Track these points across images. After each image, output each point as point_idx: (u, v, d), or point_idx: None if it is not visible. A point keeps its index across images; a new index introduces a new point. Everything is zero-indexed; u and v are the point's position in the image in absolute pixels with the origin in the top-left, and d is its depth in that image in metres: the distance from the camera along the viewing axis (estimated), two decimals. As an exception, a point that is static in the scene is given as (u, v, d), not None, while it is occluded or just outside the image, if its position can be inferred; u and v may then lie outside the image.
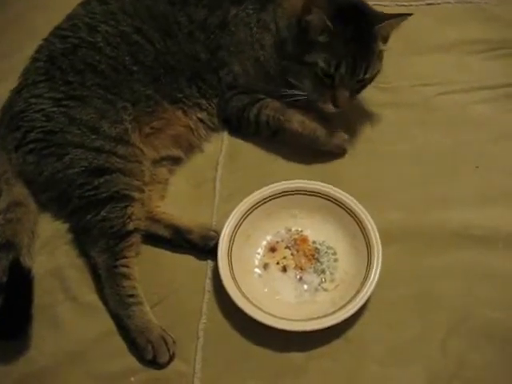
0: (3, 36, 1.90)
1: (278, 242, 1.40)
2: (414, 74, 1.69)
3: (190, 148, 1.57)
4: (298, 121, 1.52)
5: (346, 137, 1.52)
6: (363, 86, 1.49)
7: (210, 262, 1.39)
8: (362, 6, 1.47)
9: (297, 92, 1.48)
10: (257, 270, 1.37)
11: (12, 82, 1.51)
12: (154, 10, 1.52)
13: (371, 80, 1.49)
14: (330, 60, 1.40)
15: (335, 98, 1.45)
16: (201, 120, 1.56)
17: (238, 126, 1.58)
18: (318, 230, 1.41)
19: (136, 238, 1.38)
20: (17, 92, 1.48)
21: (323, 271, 1.35)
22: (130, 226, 1.36)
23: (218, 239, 1.36)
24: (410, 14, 1.44)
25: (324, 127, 1.52)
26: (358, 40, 1.41)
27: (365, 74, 1.44)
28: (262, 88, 1.55)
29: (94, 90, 1.43)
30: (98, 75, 1.45)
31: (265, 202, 1.41)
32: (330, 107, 1.47)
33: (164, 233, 1.42)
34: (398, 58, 1.66)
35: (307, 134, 1.51)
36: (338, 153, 1.54)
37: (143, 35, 1.50)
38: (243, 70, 1.54)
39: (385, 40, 1.47)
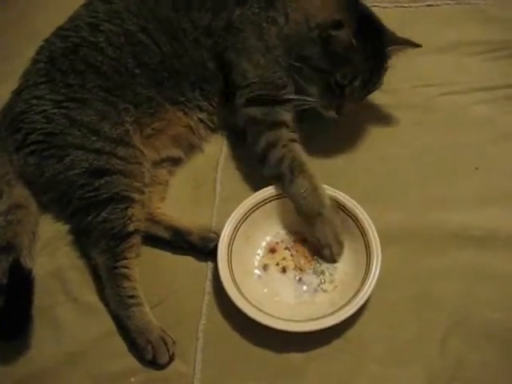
0: (4, 37, 1.90)
1: (277, 243, 1.40)
2: (414, 76, 1.69)
3: (191, 148, 1.57)
4: (311, 182, 1.36)
5: (342, 244, 1.36)
6: (366, 96, 1.50)
7: (209, 264, 1.39)
8: (376, 21, 1.48)
9: (302, 97, 1.46)
10: (256, 270, 1.37)
11: (12, 84, 1.51)
12: (157, 13, 1.51)
13: (374, 90, 1.51)
14: (347, 73, 1.40)
15: (341, 108, 1.45)
16: (201, 120, 1.56)
17: (243, 138, 1.49)
18: (317, 230, 1.41)
19: (136, 240, 1.38)
20: (17, 93, 1.48)
21: (322, 272, 1.35)
22: (131, 228, 1.36)
23: (217, 240, 1.35)
24: (419, 46, 1.47)
25: (331, 215, 1.35)
26: (375, 57, 1.43)
27: (374, 87, 1.47)
28: (273, 84, 1.48)
29: (95, 93, 1.43)
30: (100, 77, 1.44)
31: (264, 204, 1.41)
32: (333, 114, 1.46)
33: (164, 234, 1.42)
34: (398, 60, 1.66)
35: (310, 203, 1.35)
36: (323, 253, 1.37)
37: (149, 35, 1.49)
38: (252, 64, 1.49)
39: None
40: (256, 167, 1.50)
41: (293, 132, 1.46)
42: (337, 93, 1.43)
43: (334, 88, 1.42)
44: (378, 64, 1.45)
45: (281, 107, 1.47)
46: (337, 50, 1.39)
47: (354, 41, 1.37)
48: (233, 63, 1.51)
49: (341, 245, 1.36)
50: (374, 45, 1.42)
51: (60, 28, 1.54)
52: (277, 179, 1.40)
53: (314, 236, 1.36)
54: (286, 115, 1.47)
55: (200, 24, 1.51)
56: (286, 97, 1.47)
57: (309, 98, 1.45)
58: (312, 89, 1.45)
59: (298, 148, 1.43)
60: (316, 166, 1.50)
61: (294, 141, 1.43)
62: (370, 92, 1.49)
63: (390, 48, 1.45)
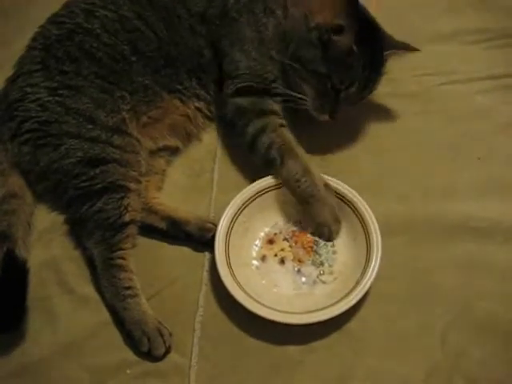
0: (2, 23, 1.88)
1: (275, 234, 1.39)
2: (415, 64, 1.67)
3: (188, 137, 1.56)
4: (302, 165, 1.35)
5: (339, 219, 1.36)
6: (362, 100, 1.48)
7: (207, 254, 1.38)
8: (375, 25, 1.46)
9: (294, 94, 1.44)
10: (254, 261, 1.35)
11: (8, 71, 1.48)
12: (154, 1, 1.50)
13: (369, 94, 1.49)
14: (344, 79, 1.39)
15: (335, 112, 1.43)
16: (198, 109, 1.54)
17: (232, 129, 1.48)
18: (316, 221, 1.39)
19: (132, 230, 1.36)
20: (12, 81, 1.46)
21: (322, 263, 1.34)
22: (127, 218, 1.35)
23: (215, 231, 1.34)
24: (417, 50, 1.47)
25: (326, 195, 1.35)
26: (372, 63, 1.41)
27: (369, 92, 1.46)
28: (262, 77, 1.47)
29: (91, 80, 1.41)
30: (95, 63, 1.42)
31: (263, 194, 1.39)
32: (325, 118, 1.44)
33: (161, 224, 1.41)
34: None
35: (305, 186, 1.34)
36: (320, 229, 1.37)
37: (145, 21, 1.47)
38: (245, 55, 1.48)
39: None
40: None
41: (281, 119, 1.44)
42: (332, 96, 1.41)
43: (329, 92, 1.41)
44: (376, 70, 1.44)
45: (270, 98, 1.46)
46: (336, 54, 1.38)
47: (354, 47, 1.36)
48: (226, 52, 1.49)
49: (339, 222, 1.36)
50: (373, 50, 1.41)
51: (55, 14, 1.52)
52: (268, 166, 1.39)
53: (312, 217, 1.36)
54: (275, 105, 1.46)
55: (195, 11, 1.49)
56: (275, 91, 1.46)
57: (302, 96, 1.43)
58: (306, 90, 1.43)
59: (286, 132, 1.41)
60: (316, 156, 1.50)
61: (282, 126, 1.42)
62: (365, 97, 1.47)
63: (387, 52, 1.45)
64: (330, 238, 1.37)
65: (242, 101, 1.46)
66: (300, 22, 1.42)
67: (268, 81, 1.47)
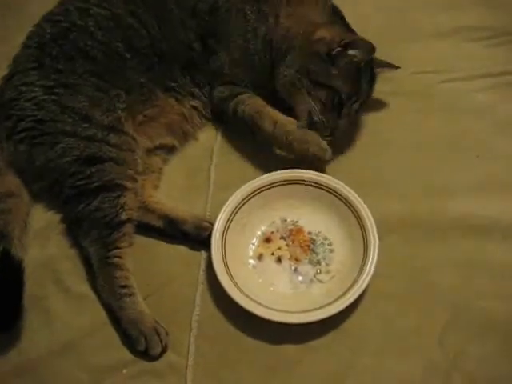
0: (1, 21, 1.88)
1: (272, 233, 1.38)
2: (414, 62, 1.67)
3: (184, 136, 1.55)
4: (270, 120, 1.44)
5: (326, 146, 1.41)
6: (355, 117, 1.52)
7: (203, 253, 1.38)
8: None
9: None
10: (251, 260, 1.35)
11: (4, 70, 1.49)
12: None
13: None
14: (351, 93, 1.42)
15: (336, 127, 1.44)
16: (195, 108, 1.55)
17: (221, 117, 1.56)
18: (313, 220, 1.39)
19: (129, 229, 1.36)
20: (7, 80, 1.46)
21: (319, 262, 1.33)
22: (123, 216, 1.34)
23: (211, 229, 1.34)
24: (398, 67, 1.53)
25: (302, 134, 1.42)
26: (371, 81, 1.48)
27: (362, 110, 1.50)
28: (247, 80, 1.52)
29: (86, 78, 1.41)
30: (90, 62, 1.43)
31: (260, 192, 1.39)
32: (326, 132, 1.44)
33: (157, 223, 1.40)
34: (398, 46, 1.65)
35: (279, 137, 1.42)
36: (316, 164, 1.43)
37: (138, 19, 1.48)
38: (230, 59, 1.51)
39: None
40: (250, 155, 1.51)
41: (250, 93, 1.52)
42: (334, 111, 1.43)
43: (335, 106, 1.42)
44: (371, 88, 1.49)
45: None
46: (346, 68, 1.40)
47: (363, 62, 1.40)
48: (213, 49, 1.51)
49: (327, 150, 1.40)
50: (371, 70, 1.46)
51: (50, 13, 1.52)
52: (256, 135, 1.46)
53: (304, 157, 1.41)
54: (248, 90, 1.52)
55: (186, 5, 1.50)
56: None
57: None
58: (314, 103, 1.43)
59: (255, 99, 1.49)
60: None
61: (252, 97, 1.50)
62: (358, 114, 1.50)
63: (377, 70, 1.49)
64: (324, 163, 1.43)
65: (223, 89, 1.53)
66: (296, 34, 1.46)
67: (244, 84, 1.52)
